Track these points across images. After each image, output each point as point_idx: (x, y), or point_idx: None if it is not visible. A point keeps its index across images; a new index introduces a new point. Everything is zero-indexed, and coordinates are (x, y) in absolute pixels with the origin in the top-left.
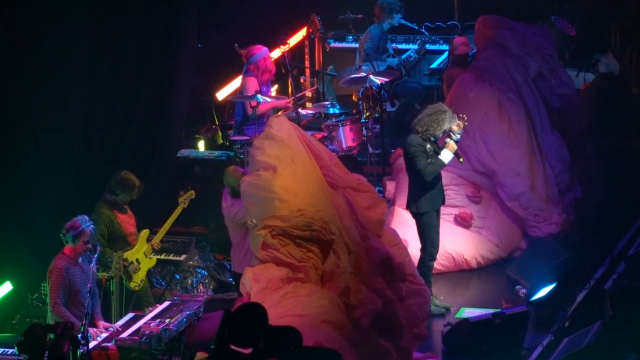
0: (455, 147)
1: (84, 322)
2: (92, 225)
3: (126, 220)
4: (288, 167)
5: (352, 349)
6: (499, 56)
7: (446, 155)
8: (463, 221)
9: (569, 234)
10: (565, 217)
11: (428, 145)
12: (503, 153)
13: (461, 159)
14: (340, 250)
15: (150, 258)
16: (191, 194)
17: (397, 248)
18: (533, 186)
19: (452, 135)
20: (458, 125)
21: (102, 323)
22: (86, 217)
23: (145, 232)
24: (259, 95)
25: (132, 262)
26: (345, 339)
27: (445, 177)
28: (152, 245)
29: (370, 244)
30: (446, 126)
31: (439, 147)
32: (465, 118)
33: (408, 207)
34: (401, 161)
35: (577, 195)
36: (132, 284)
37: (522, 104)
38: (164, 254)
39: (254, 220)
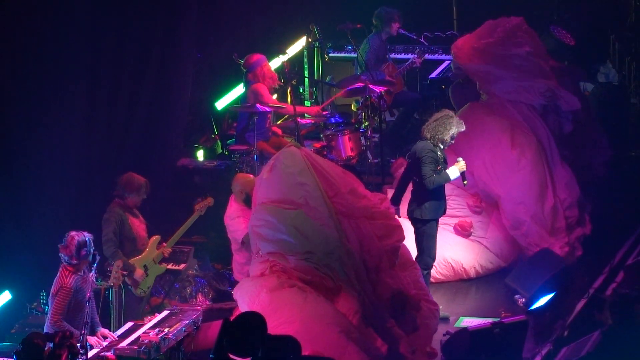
0: (464, 169)
1: (82, 331)
2: (88, 234)
3: (137, 224)
4: (301, 206)
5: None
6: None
7: (453, 173)
8: (463, 230)
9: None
10: (567, 250)
11: (439, 152)
12: (509, 180)
13: (465, 182)
14: (348, 294)
15: (159, 265)
16: (209, 201)
17: (410, 270)
18: (538, 216)
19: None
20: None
21: (100, 331)
22: (76, 231)
23: (155, 238)
24: (259, 104)
25: (135, 270)
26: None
27: (447, 187)
28: (162, 252)
29: (381, 278)
30: (454, 131)
31: (444, 156)
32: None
33: (410, 213)
34: (402, 171)
35: (587, 232)
36: (137, 291)
37: (534, 136)
38: (163, 263)
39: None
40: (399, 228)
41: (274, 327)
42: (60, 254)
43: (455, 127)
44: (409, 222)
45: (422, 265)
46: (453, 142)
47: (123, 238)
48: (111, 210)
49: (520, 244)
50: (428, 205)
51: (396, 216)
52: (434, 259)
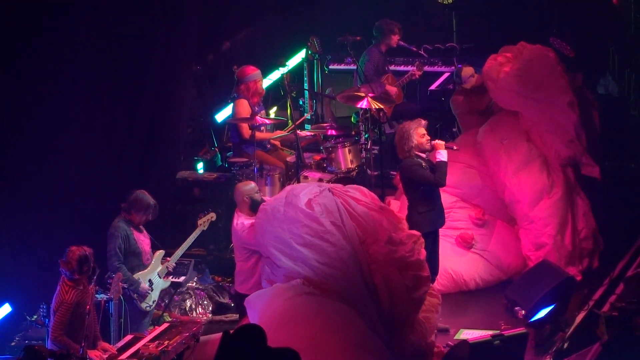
0: (443, 142)
1: (82, 344)
2: (88, 249)
3: (142, 239)
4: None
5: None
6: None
7: (442, 155)
8: (464, 242)
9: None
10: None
11: (423, 164)
12: (540, 203)
13: (455, 147)
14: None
15: (164, 279)
16: (212, 216)
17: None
18: (558, 244)
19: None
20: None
21: (100, 345)
22: (76, 247)
23: (160, 253)
24: (258, 117)
25: (140, 285)
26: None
27: (449, 199)
28: (166, 266)
29: (406, 334)
30: (413, 133)
31: (432, 162)
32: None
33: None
34: None
35: (594, 266)
36: (143, 305)
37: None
38: (167, 276)
39: None
40: (428, 279)
41: (284, 339)
42: (61, 269)
43: (413, 130)
44: None
45: None
46: (428, 141)
47: (128, 253)
48: (116, 225)
49: (530, 264)
50: (423, 218)
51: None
52: (435, 272)
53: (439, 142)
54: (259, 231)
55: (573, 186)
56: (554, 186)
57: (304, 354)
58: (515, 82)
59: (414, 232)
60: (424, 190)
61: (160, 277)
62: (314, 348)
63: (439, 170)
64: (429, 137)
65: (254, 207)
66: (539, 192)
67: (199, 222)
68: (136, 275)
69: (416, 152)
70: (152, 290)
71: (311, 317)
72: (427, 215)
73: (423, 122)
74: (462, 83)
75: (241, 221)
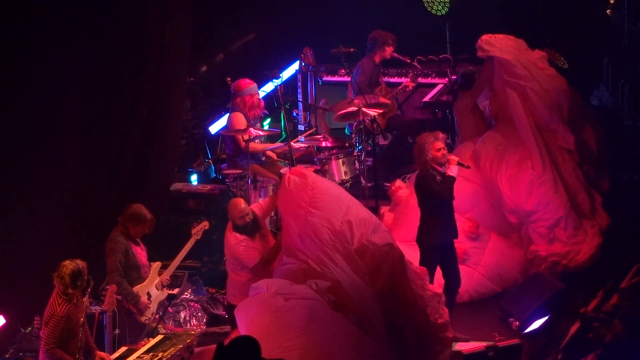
0: (457, 159)
1: (77, 356)
2: (81, 263)
3: (139, 252)
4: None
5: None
6: None
7: (452, 170)
8: None
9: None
10: (598, 227)
11: (437, 177)
12: (533, 194)
13: (466, 166)
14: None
15: (161, 291)
16: (205, 224)
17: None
18: (565, 206)
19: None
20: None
21: (98, 354)
22: (69, 261)
23: (157, 265)
24: (252, 129)
25: (140, 299)
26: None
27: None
28: (163, 278)
29: None
30: (429, 147)
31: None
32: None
33: (420, 241)
34: (400, 194)
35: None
36: (143, 318)
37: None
38: (162, 288)
39: None
40: (450, 341)
41: (273, 350)
42: (55, 283)
43: (429, 143)
44: (407, 246)
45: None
46: (445, 155)
47: (128, 267)
48: (115, 239)
49: (563, 247)
50: (432, 231)
51: None
52: (456, 285)
53: (453, 158)
54: (295, 196)
55: (556, 153)
56: (540, 170)
57: None
58: (512, 43)
59: (436, 290)
60: (435, 204)
61: (157, 289)
62: (308, 356)
63: (444, 184)
64: (445, 152)
65: (236, 229)
66: (529, 184)
67: (193, 231)
68: (135, 289)
69: (432, 165)
70: (150, 304)
71: (300, 325)
72: (436, 229)
73: (441, 135)
74: (467, 85)
75: (234, 234)
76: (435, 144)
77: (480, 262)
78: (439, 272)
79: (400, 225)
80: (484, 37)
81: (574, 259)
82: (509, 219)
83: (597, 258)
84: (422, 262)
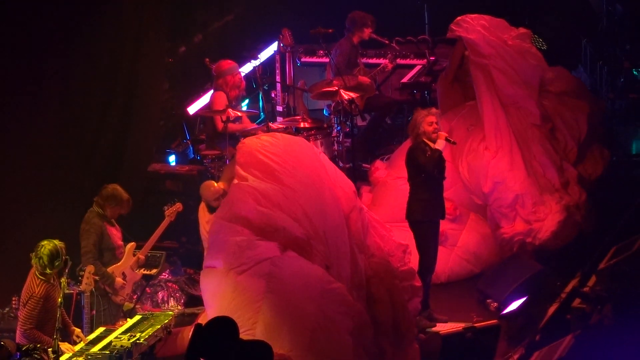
0: (445, 134)
1: (55, 336)
2: (60, 243)
3: (114, 233)
4: None
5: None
6: None
7: (439, 144)
8: None
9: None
10: (565, 203)
11: (428, 152)
12: (487, 172)
13: (453, 142)
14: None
15: (136, 272)
16: (178, 206)
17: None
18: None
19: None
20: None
21: (74, 330)
22: (48, 241)
23: (131, 246)
24: (230, 109)
25: (115, 279)
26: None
27: None
28: (137, 259)
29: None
30: (422, 120)
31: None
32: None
33: (408, 217)
34: (378, 174)
35: (578, 198)
36: (118, 298)
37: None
38: (139, 269)
39: None
40: (420, 289)
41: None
42: (32, 263)
43: (422, 117)
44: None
45: (423, 269)
46: (436, 130)
47: (103, 249)
48: (90, 221)
49: (524, 224)
50: (421, 207)
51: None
52: (435, 262)
53: (442, 133)
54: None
55: (522, 129)
56: (493, 150)
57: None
58: (483, 22)
59: (401, 242)
60: (425, 179)
61: (132, 270)
62: (267, 335)
63: (432, 156)
64: (437, 127)
65: (212, 211)
66: (484, 166)
67: (166, 212)
68: (110, 269)
69: (423, 139)
70: (126, 284)
71: (258, 300)
72: (424, 204)
73: (434, 110)
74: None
75: (208, 215)
76: (428, 118)
77: (457, 244)
78: (415, 251)
79: (379, 206)
80: (457, 18)
81: (537, 237)
82: (476, 202)
83: (564, 234)
84: (420, 239)
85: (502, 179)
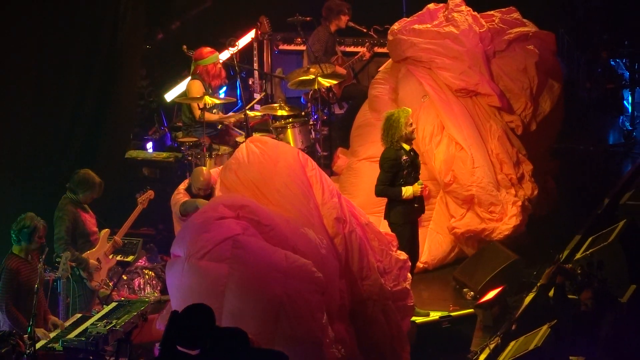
0: (418, 194)
1: (30, 322)
2: (42, 221)
3: (88, 219)
4: None
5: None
6: None
7: (406, 192)
8: None
9: (517, 237)
10: (520, 204)
11: (404, 157)
12: (450, 165)
13: (416, 205)
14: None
15: (110, 258)
16: (150, 194)
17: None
18: (480, 180)
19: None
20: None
21: (51, 318)
22: (33, 214)
23: (105, 232)
24: (207, 97)
25: (89, 264)
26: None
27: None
28: (113, 244)
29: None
30: (403, 122)
31: (416, 154)
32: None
33: (387, 218)
34: (340, 163)
35: (531, 193)
36: (93, 284)
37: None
38: (113, 255)
39: None
40: (412, 309)
41: None
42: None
43: (403, 119)
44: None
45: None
46: (413, 131)
47: (77, 235)
48: (64, 207)
49: (480, 223)
50: (402, 209)
51: None
52: (416, 257)
53: (417, 189)
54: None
55: (481, 123)
56: (463, 146)
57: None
58: (414, 21)
59: (401, 256)
60: (402, 183)
61: (107, 256)
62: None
63: (388, 191)
64: (414, 127)
65: (190, 194)
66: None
67: (138, 200)
68: (84, 255)
69: (402, 143)
70: (100, 269)
71: (220, 290)
72: (404, 207)
73: (409, 110)
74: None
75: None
76: (408, 120)
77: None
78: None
79: (349, 194)
80: (388, 36)
81: (489, 236)
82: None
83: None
84: (399, 240)
85: (461, 174)
